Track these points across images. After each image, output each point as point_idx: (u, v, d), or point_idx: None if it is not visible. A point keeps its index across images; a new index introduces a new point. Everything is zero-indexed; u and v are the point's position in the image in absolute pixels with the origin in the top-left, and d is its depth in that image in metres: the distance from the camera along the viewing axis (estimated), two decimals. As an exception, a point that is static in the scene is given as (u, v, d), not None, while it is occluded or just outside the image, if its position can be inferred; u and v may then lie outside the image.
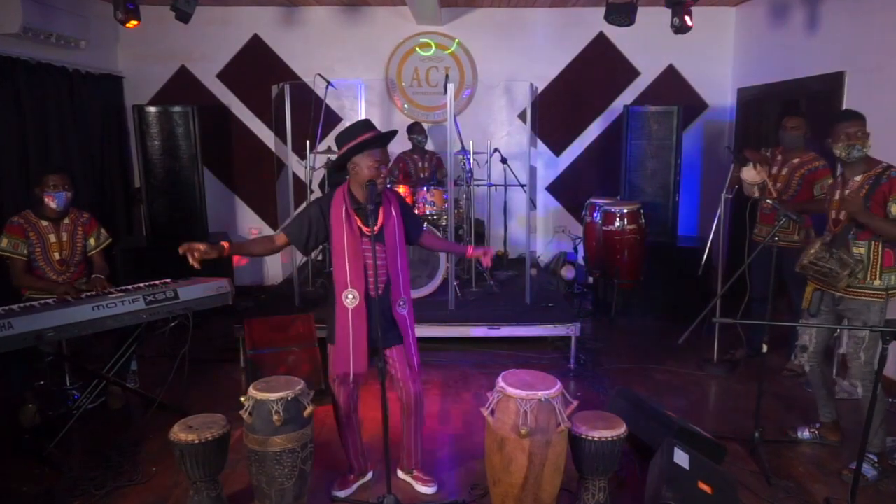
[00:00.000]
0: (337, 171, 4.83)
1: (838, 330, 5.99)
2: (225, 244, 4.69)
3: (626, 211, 8.74)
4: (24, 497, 5.01)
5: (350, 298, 4.63)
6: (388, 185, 4.97)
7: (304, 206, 4.89)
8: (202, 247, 4.56)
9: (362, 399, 5.17)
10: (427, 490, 5.10)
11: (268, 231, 10.92)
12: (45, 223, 6.38)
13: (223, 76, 10.54)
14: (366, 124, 4.67)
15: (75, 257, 6.52)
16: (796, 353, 5.72)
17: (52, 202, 6.31)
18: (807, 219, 6.59)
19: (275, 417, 4.43)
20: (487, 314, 8.00)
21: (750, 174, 6.95)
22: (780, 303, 7.46)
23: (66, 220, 6.49)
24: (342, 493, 5.06)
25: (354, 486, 5.13)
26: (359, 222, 4.60)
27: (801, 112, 7.72)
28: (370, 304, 4.64)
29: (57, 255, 6.40)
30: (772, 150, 7.18)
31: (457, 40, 10.50)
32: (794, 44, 8.64)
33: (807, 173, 6.78)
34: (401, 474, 5.18)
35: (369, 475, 5.26)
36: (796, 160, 6.89)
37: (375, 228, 4.48)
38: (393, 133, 4.72)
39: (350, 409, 4.97)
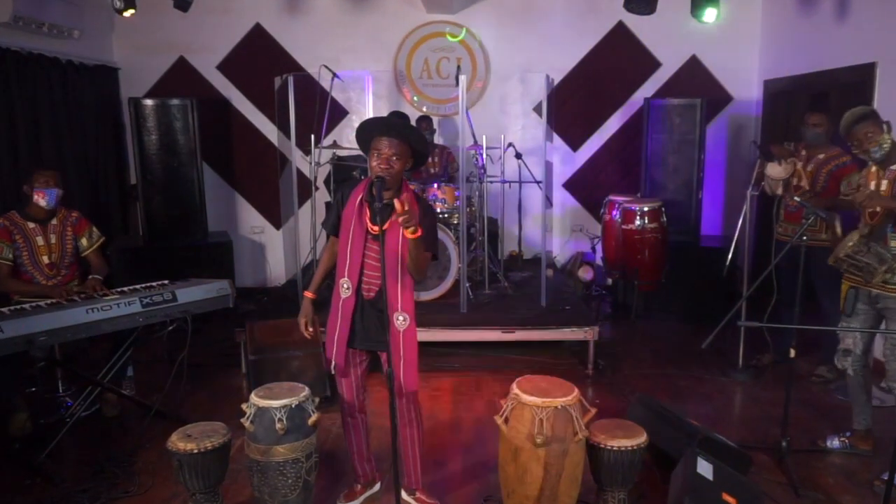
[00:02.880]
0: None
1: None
2: (308, 294, 4.89)
3: (646, 209, 8.73)
4: (16, 509, 5.05)
5: (344, 288, 4.64)
6: (417, 193, 4.89)
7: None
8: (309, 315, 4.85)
9: (371, 406, 5.17)
10: None
11: (270, 230, 10.98)
12: (31, 225, 6.38)
13: (224, 67, 10.55)
14: (399, 116, 4.66)
15: (65, 260, 6.52)
16: (839, 356, 5.69)
17: (41, 199, 6.31)
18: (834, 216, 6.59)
19: (278, 426, 4.44)
20: (501, 317, 7.99)
21: (774, 170, 6.94)
22: (809, 306, 7.43)
23: (54, 221, 6.49)
24: None
25: (361, 498, 5.12)
26: (367, 217, 4.52)
27: (824, 108, 7.69)
28: (359, 300, 4.64)
29: (46, 259, 6.40)
30: (795, 144, 7.17)
31: (478, 39, 10.53)
32: (824, 33, 8.61)
33: (833, 169, 6.77)
34: (404, 494, 4.97)
35: (377, 486, 5.24)
36: (822, 156, 6.89)
37: (381, 228, 4.21)
38: (407, 127, 4.63)
39: (354, 409, 4.91)
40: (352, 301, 4.63)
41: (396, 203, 3.98)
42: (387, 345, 4.32)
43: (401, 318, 4.61)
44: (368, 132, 4.47)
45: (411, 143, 4.47)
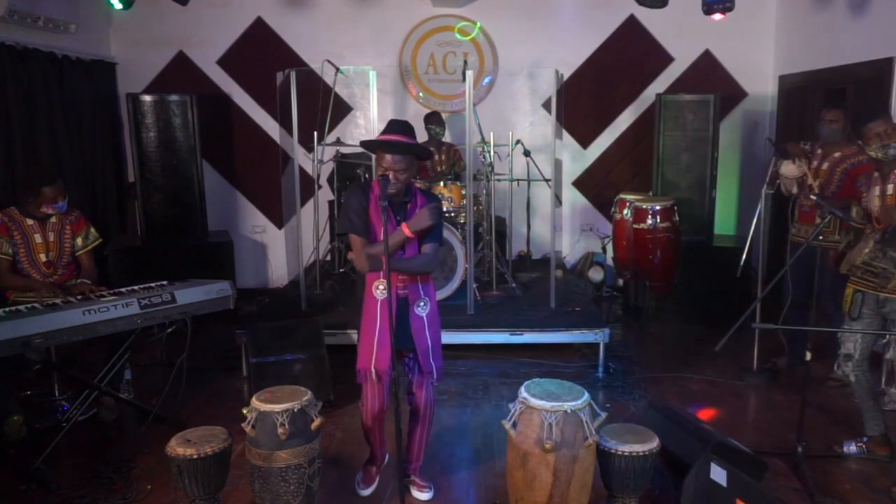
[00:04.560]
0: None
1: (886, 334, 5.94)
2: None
3: (658, 208, 8.71)
4: (11, 515, 5.05)
5: (381, 289, 4.77)
6: (423, 189, 5.09)
7: (346, 200, 4.88)
8: None
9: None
10: (423, 496, 5.21)
11: (272, 229, 10.98)
12: (30, 222, 6.40)
13: (224, 62, 10.56)
14: (401, 126, 4.81)
15: (63, 258, 6.53)
16: (839, 362, 5.70)
17: (51, 211, 6.39)
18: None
19: (280, 431, 4.44)
20: (509, 319, 8.01)
21: (788, 168, 6.94)
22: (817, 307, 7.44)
23: (54, 219, 6.51)
24: (366, 491, 5.26)
25: (377, 480, 5.32)
26: (391, 214, 4.70)
27: (840, 104, 7.69)
28: (397, 299, 4.78)
29: (43, 257, 6.42)
30: (811, 143, 7.16)
31: (486, 33, 10.52)
32: (840, 27, 8.60)
33: (849, 168, 6.76)
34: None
35: (386, 458, 5.48)
36: (838, 154, 6.87)
37: (385, 226, 4.48)
38: (411, 146, 4.77)
39: (383, 412, 5.05)
40: (388, 302, 4.71)
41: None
42: (406, 341, 4.73)
43: (422, 303, 4.88)
44: (376, 147, 4.81)
45: (416, 156, 4.84)
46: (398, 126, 4.81)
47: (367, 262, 4.75)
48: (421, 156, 4.96)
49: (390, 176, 4.60)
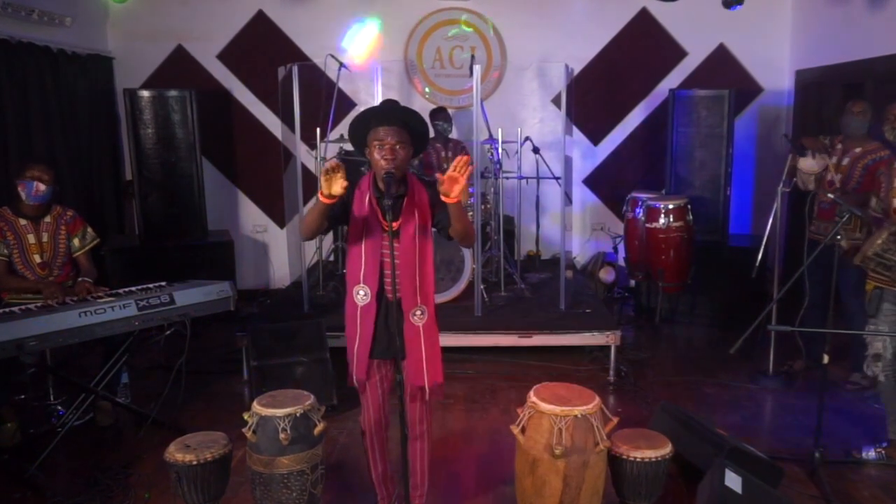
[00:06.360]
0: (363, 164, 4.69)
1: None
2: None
3: (671, 206, 8.70)
4: (5, 522, 5.05)
5: (361, 295, 4.50)
6: (419, 175, 4.81)
7: None
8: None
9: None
10: None
11: (273, 228, 10.97)
12: (23, 222, 6.39)
13: (224, 57, 10.55)
14: (382, 103, 4.63)
15: (58, 259, 6.53)
16: (868, 363, 5.67)
17: (22, 191, 6.29)
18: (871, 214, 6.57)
19: (281, 436, 4.44)
20: (518, 321, 8.01)
21: (807, 163, 6.93)
22: (838, 308, 7.41)
23: (48, 219, 6.51)
24: None
25: None
26: (379, 214, 4.41)
27: (866, 97, 7.68)
28: (381, 305, 4.52)
29: (37, 258, 6.41)
30: (831, 138, 7.15)
31: (493, 26, 10.51)
32: (858, 21, 8.58)
33: (870, 163, 6.75)
34: None
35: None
36: (858, 149, 6.87)
37: (395, 225, 4.32)
38: (394, 105, 4.62)
39: (381, 426, 4.78)
40: (373, 308, 4.51)
41: (438, 176, 4.02)
42: (400, 350, 4.36)
43: (418, 312, 4.54)
44: (363, 126, 4.40)
45: (411, 127, 4.42)
46: (383, 103, 4.64)
47: (303, 225, 4.48)
48: (417, 129, 4.46)
49: (388, 153, 4.24)
